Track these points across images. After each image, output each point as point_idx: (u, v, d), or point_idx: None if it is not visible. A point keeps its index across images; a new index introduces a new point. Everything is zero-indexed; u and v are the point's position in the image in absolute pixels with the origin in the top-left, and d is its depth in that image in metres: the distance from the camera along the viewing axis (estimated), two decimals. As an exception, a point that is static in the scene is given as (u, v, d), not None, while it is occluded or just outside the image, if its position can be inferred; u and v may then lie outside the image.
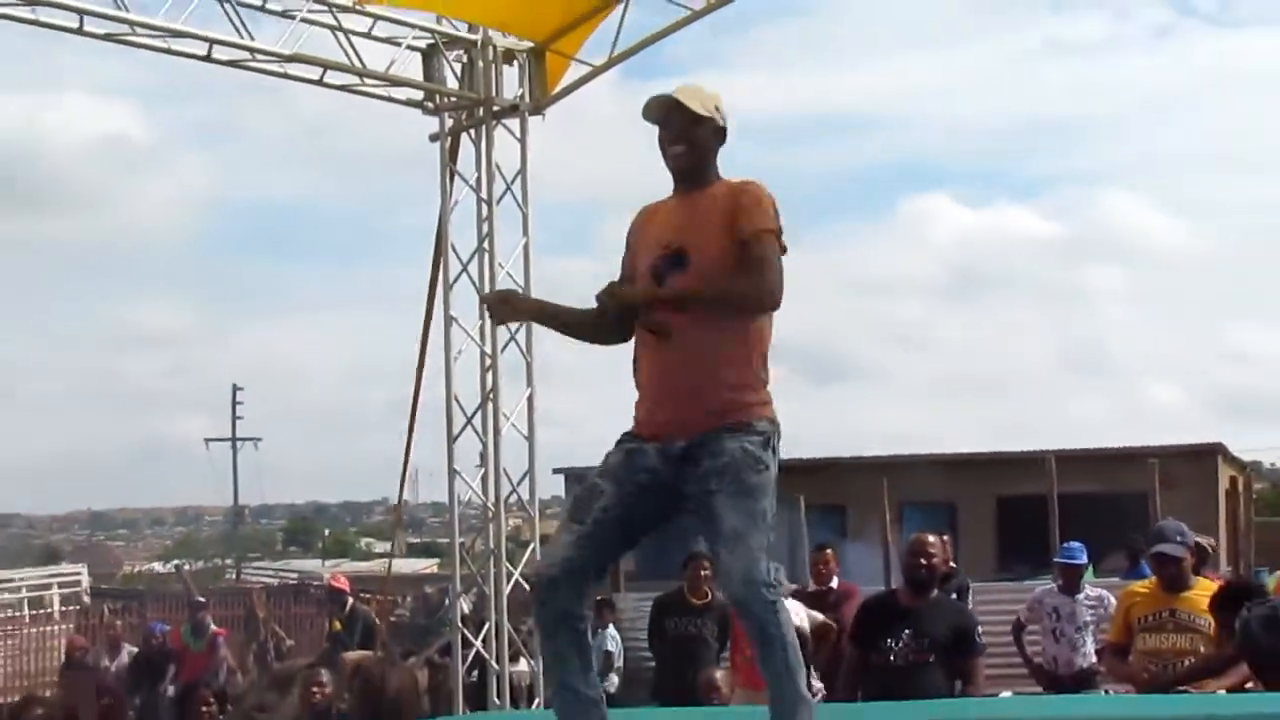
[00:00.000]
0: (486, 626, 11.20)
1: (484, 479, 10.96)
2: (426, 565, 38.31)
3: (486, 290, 10.82)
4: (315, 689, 10.37)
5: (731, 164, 5.33)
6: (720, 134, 5.31)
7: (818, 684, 10.42)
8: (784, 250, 5.14)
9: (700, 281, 5.07)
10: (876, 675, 9.02)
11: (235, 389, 60.21)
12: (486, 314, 5.68)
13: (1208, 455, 27.63)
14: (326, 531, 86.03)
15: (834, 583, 12.62)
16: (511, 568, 11.23)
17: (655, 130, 5.28)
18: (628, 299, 5.12)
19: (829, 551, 13.08)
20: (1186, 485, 23.27)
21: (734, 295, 5.07)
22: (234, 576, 43.69)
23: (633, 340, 5.30)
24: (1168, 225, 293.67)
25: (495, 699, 11.10)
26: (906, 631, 8.93)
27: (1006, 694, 10.73)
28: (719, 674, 10.75)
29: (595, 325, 5.36)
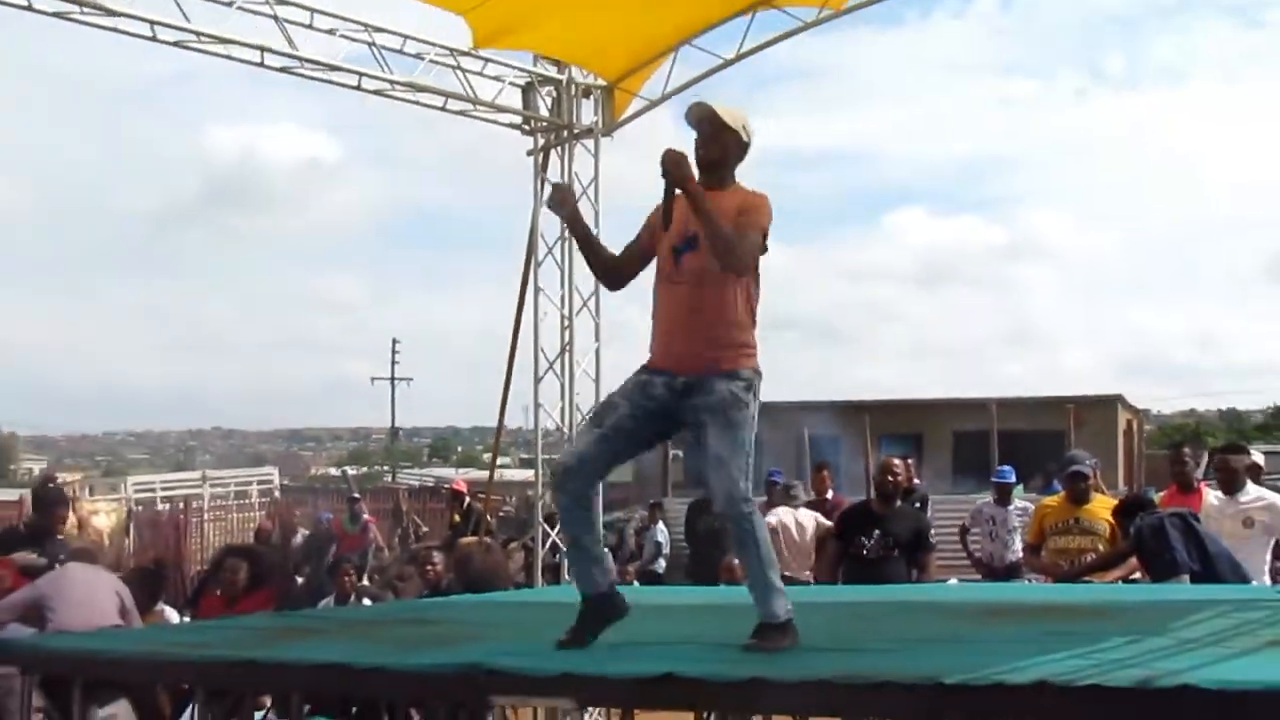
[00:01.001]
0: (562, 521, 11.01)
1: (562, 411, 10.73)
2: (530, 474, 38.16)
3: (569, 270, 10.63)
4: (429, 567, 10.16)
5: (753, 184, 4.99)
6: (742, 146, 4.93)
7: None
8: (764, 249, 4.83)
9: (707, 255, 4.72)
10: (853, 565, 8.85)
11: (394, 341, 60.43)
12: (552, 196, 5.25)
13: (1110, 403, 27.27)
14: (459, 448, 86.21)
15: (830, 494, 12.35)
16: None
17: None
18: (683, 166, 4.71)
19: (825, 471, 12.81)
20: (1093, 425, 22.97)
21: (725, 240, 4.65)
22: (390, 479, 43.75)
23: (651, 291, 4.96)
24: (1082, 233, 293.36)
25: (567, 576, 10.91)
26: (876, 532, 8.74)
27: (953, 580, 10.52)
28: (736, 561, 10.54)
29: (606, 265, 5.11)
